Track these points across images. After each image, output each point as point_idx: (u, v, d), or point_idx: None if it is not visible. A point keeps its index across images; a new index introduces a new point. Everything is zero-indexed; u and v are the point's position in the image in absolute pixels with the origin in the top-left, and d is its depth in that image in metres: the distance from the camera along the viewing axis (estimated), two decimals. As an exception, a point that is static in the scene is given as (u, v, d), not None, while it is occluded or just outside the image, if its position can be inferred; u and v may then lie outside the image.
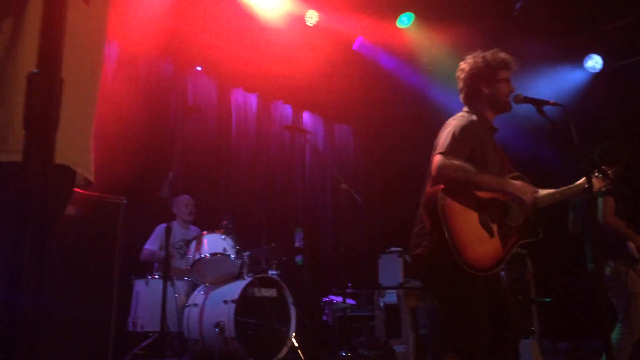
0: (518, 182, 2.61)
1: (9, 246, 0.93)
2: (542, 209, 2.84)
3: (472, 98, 2.81)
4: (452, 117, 2.75)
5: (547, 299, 5.43)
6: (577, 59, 6.92)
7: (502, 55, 2.80)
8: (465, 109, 2.83)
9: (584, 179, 2.85)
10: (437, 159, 2.51)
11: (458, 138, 2.55)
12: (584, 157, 2.83)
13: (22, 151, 0.70)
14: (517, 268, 5.30)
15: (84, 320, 2.82)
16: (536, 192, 2.66)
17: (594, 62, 6.91)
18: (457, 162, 2.47)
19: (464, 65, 2.84)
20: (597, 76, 6.90)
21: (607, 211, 4.08)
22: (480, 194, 2.58)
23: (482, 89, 2.77)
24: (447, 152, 2.51)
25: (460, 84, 2.86)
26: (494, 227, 2.57)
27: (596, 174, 2.92)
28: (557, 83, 6.82)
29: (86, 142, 1.29)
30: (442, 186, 2.50)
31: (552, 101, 2.87)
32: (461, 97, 2.88)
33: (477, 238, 2.49)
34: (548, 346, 4.90)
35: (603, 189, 2.95)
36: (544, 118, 2.85)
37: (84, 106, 1.27)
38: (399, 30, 6.80)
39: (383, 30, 6.94)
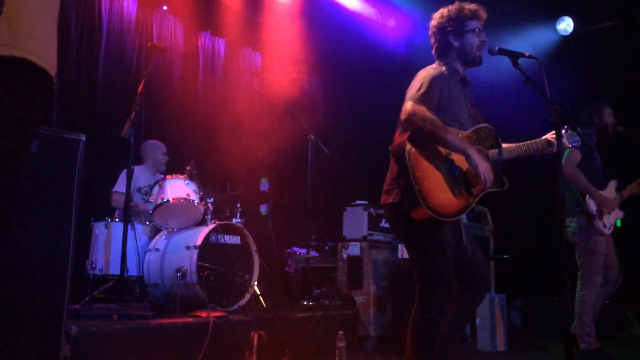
0: (477, 155, 2.56)
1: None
2: (507, 162, 2.85)
3: (443, 52, 2.84)
4: (423, 69, 2.76)
5: (505, 256, 5.56)
6: (549, 20, 6.92)
7: (469, 5, 2.79)
8: (437, 62, 2.85)
9: (551, 132, 2.87)
10: (408, 105, 2.53)
11: (427, 88, 2.58)
12: (555, 111, 2.84)
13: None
14: (477, 225, 5.40)
15: (40, 260, 2.71)
16: (494, 165, 2.67)
17: (566, 25, 6.92)
18: (427, 113, 2.50)
19: (433, 20, 2.85)
20: (568, 39, 6.93)
21: (568, 162, 4.17)
22: None
23: (451, 42, 2.79)
24: (417, 100, 2.53)
25: (432, 39, 2.88)
26: (460, 175, 2.61)
27: (566, 129, 2.93)
28: (528, 44, 6.82)
29: (47, 33, 1.15)
30: (408, 134, 2.52)
31: (527, 54, 2.85)
32: (433, 51, 2.89)
33: (442, 185, 2.52)
34: (503, 301, 5.04)
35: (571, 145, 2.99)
36: (518, 70, 2.84)
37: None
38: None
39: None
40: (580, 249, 4.24)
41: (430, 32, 2.87)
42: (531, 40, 6.87)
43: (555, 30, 6.95)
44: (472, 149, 2.58)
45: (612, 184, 4.39)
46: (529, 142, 2.90)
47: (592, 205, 4.20)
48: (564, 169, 4.12)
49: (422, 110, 2.48)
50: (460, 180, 2.59)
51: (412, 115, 2.48)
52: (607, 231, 4.23)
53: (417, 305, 2.57)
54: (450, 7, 2.81)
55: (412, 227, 2.56)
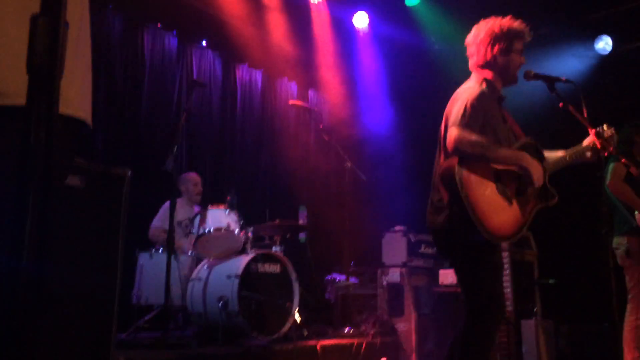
0: (530, 159, 2.57)
1: (8, 204, 0.88)
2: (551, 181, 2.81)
3: (484, 66, 2.73)
4: (462, 88, 2.69)
5: (550, 281, 5.42)
6: (588, 40, 6.83)
7: (518, 24, 2.72)
8: (474, 76, 2.76)
9: (585, 141, 2.82)
10: (454, 133, 2.46)
11: (471, 111, 2.50)
12: (596, 134, 2.80)
13: (26, 97, 0.67)
14: (520, 249, 5.29)
15: (88, 293, 2.80)
16: (545, 171, 2.65)
17: (604, 44, 6.81)
18: (474, 137, 2.45)
19: (478, 31, 2.74)
20: (607, 58, 6.81)
21: (614, 175, 4.04)
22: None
23: (496, 58, 2.69)
24: (463, 126, 2.46)
25: (472, 49, 2.77)
26: (511, 195, 2.57)
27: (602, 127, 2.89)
28: (566, 64, 6.74)
29: (88, 89, 1.24)
30: (457, 158, 2.48)
31: (564, 78, 2.83)
32: (471, 62, 2.79)
33: (496, 207, 2.49)
34: (550, 328, 4.90)
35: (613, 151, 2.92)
36: (554, 95, 2.82)
37: (84, 52, 1.22)
38: (407, 7, 6.75)
39: (391, 8, 6.87)
40: (630, 272, 4.10)
41: (473, 41, 2.76)
42: (568, 61, 6.78)
43: (593, 49, 6.85)
44: (525, 157, 2.55)
45: None
46: (570, 151, 2.84)
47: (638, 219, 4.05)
48: (609, 184, 4.02)
49: (469, 135, 2.44)
50: (512, 201, 2.56)
51: (459, 142, 2.43)
52: None
53: (464, 329, 2.53)
54: (502, 22, 2.71)
55: (465, 252, 2.53)
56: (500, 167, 2.55)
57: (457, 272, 2.69)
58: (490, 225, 2.41)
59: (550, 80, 2.79)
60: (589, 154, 2.81)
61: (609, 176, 4.03)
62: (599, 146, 2.75)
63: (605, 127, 2.84)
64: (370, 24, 7.03)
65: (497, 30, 2.69)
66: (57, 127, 0.68)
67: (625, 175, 4.14)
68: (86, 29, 1.25)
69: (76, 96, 1.18)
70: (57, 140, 0.69)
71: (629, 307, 4.08)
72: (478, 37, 2.74)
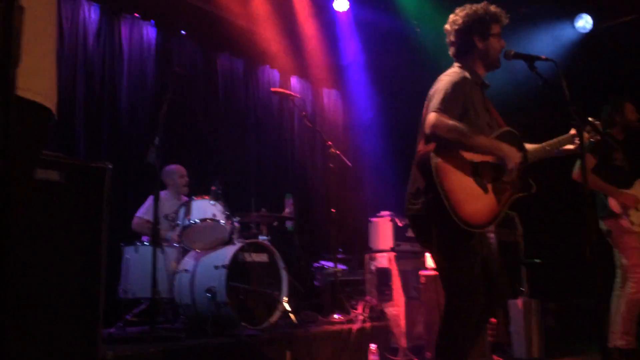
0: (506, 147, 2.58)
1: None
2: (534, 166, 2.83)
3: (464, 53, 2.77)
4: (444, 73, 2.70)
5: (536, 260, 5.47)
6: (568, 18, 6.84)
7: (494, 8, 2.76)
8: (457, 64, 2.78)
9: (572, 130, 2.84)
10: (431, 117, 2.46)
11: (450, 95, 2.51)
12: (575, 113, 2.80)
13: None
14: (506, 230, 5.32)
15: (73, 289, 2.77)
16: (522, 157, 2.66)
17: (584, 22, 6.83)
18: (451, 122, 2.45)
19: (456, 18, 2.77)
20: (587, 36, 6.83)
21: (581, 167, 4.10)
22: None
23: (475, 44, 2.72)
24: (441, 110, 2.47)
25: (451, 38, 2.80)
26: (488, 183, 2.58)
27: (587, 130, 2.89)
28: (546, 42, 6.75)
29: (52, 73, 1.21)
30: (433, 145, 2.48)
31: (543, 56, 2.83)
32: (451, 51, 2.82)
33: (471, 195, 2.49)
34: (537, 306, 4.95)
35: (589, 141, 2.95)
36: (534, 74, 2.81)
37: (46, 31, 1.17)
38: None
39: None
40: (617, 249, 4.19)
41: (451, 30, 2.79)
42: (548, 40, 6.79)
43: (574, 28, 6.86)
44: (500, 146, 2.55)
45: (639, 182, 4.30)
46: (552, 140, 2.87)
47: (614, 205, 4.13)
48: (575, 175, 4.07)
49: (445, 120, 2.44)
50: (488, 189, 2.57)
51: (435, 127, 2.44)
52: (637, 228, 4.13)
53: (445, 315, 2.55)
54: (475, 7, 2.75)
55: (441, 238, 2.53)
56: (477, 156, 2.56)
57: (434, 258, 2.70)
58: (464, 213, 2.42)
59: (530, 59, 2.78)
60: (570, 146, 2.84)
61: (575, 167, 4.08)
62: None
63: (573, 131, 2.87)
64: (351, 8, 6.96)
65: (473, 16, 2.72)
66: (15, 114, 0.65)
67: (599, 163, 4.17)
68: (49, 15, 1.21)
69: (41, 83, 1.14)
70: (20, 128, 0.66)
71: (629, 283, 4.12)
72: (456, 24, 2.76)
